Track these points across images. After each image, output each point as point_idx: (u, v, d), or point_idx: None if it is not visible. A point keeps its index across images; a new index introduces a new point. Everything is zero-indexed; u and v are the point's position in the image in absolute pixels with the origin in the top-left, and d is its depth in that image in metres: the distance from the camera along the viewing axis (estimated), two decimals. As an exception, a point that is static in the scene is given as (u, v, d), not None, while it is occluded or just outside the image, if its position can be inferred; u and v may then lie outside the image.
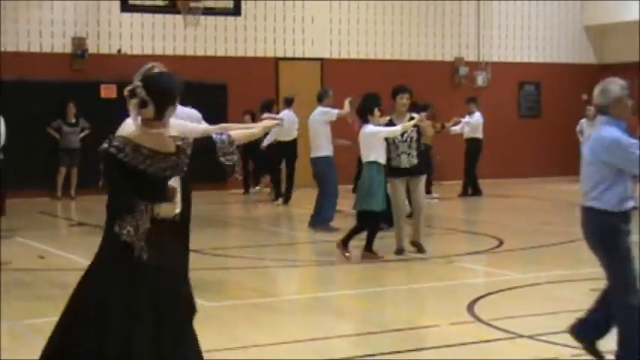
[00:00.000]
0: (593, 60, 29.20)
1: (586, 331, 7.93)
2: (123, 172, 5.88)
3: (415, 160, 13.65)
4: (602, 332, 7.93)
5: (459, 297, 10.72)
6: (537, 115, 28.46)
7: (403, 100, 13.68)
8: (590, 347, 7.90)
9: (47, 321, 9.83)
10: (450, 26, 27.46)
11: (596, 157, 7.67)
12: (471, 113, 22.32)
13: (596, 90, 7.89)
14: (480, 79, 27.36)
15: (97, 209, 20.87)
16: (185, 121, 6.83)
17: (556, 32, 29.04)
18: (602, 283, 11.40)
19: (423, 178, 14.04)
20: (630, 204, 7.67)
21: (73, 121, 21.97)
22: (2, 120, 16.83)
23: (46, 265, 13.43)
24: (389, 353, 8.43)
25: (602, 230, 7.67)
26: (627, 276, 7.66)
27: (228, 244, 16.02)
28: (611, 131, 7.60)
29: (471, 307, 10.12)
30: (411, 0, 26.84)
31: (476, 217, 19.89)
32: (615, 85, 7.85)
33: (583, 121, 22.49)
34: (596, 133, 7.79)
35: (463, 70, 27.28)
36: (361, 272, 12.98)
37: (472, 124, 22.21)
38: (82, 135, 21.97)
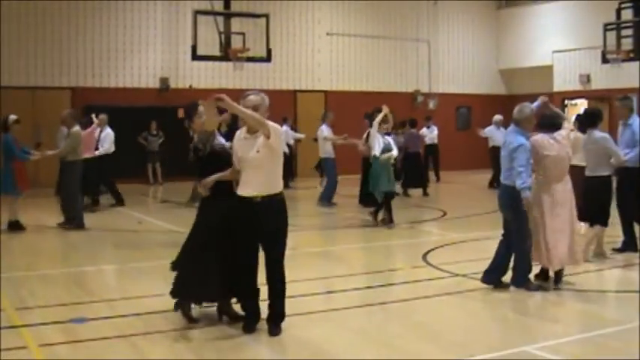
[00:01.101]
0: (504, 92, 29.11)
1: (492, 277, 8.10)
2: None
3: None
4: (503, 273, 8.06)
5: (417, 249, 10.71)
6: (468, 128, 28.29)
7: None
8: (498, 285, 8.01)
9: (144, 265, 9.94)
10: (410, 69, 27.39)
11: (508, 152, 7.85)
12: (429, 127, 22.12)
13: (516, 108, 8.09)
14: (431, 104, 27.25)
15: (176, 191, 20.93)
16: None
17: (481, 73, 28.96)
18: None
19: None
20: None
21: (154, 132, 22.02)
22: (112, 132, 16.72)
23: (143, 228, 13.48)
24: (373, 287, 8.47)
25: (512, 199, 7.82)
26: (525, 228, 7.85)
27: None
28: (520, 139, 7.80)
29: (425, 256, 10.13)
30: (384, 53, 26.81)
31: (428, 196, 19.84)
32: (528, 108, 8.09)
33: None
34: (512, 137, 7.90)
35: (420, 98, 27.17)
36: (355, 234, 12.98)
37: (433, 135, 22.01)
38: (159, 142, 22.03)
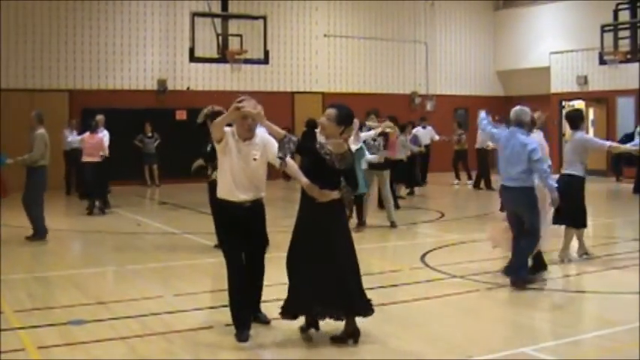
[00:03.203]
0: (501, 93, 29.15)
1: (520, 276, 8.24)
2: None
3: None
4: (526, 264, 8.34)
5: (415, 251, 10.71)
6: (466, 130, 28.30)
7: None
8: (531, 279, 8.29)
9: (142, 267, 9.93)
10: (408, 71, 27.42)
11: (526, 152, 7.92)
12: (424, 127, 21.99)
13: (519, 109, 8.26)
14: (429, 106, 27.27)
15: (174, 193, 20.85)
16: None
17: (478, 75, 28.99)
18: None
19: None
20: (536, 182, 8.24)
21: (150, 135, 22.02)
22: (107, 134, 16.60)
23: (142, 230, 13.47)
24: (371, 289, 8.46)
25: (532, 198, 7.90)
26: (539, 227, 8.10)
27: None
28: (531, 140, 7.95)
29: (423, 258, 10.13)
30: (382, 54, 26.83)
31: (426, 198, 19.83)
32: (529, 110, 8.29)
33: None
34: (524, 137, 7.98)
35: (417, 100, 27.20)
36: (354, 235, 12.87)
37: (433, 136, 21.97)
38: (155, 144, 22.03)
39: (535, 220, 8.15)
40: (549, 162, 8.51)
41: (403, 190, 18.25)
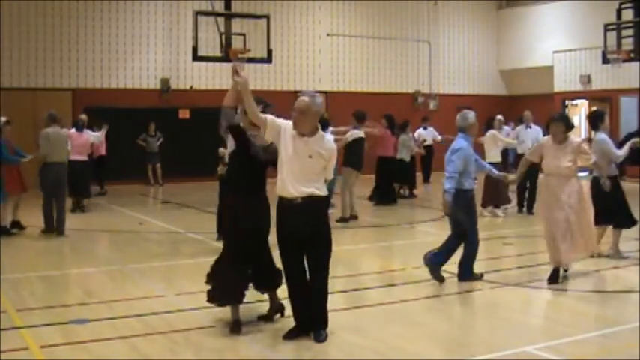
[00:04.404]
0: (504, 92, 29.11)
1: (434, 260, 8.63)
2: None
3: None
4: (445, 260, 8.60)
5: (418, 250, 10.66)
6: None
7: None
8: (437, 272, 8.52)
9: (145, 266, 9.94)
10: (411, 70, 27.39)
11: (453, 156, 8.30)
12: (426, 128, 21.94)
13: (459, 116, 8.37)
14: (432, 105, 27.22)
15: (177, 192, 20.87)
16: None
17: (481, 74, 28.94)
18: (510, 240, 11.50)
19: None
20: (473, 185, 8.53)
21: (153, 134, 21.99)
22: (92, 136, 16.54)
23: (144, 229, 13.47)
24: (372, 288, 8.46)
25: (460, 201, 8.10)
26: (476, 227, 8.56)
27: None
28: (462, 143, 8.00)
29: (425, 257, 10.10)
30: (385, 53, 26.81)
31: (429, 196, 19.80)
32: (471, 114, 8.38)
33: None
34: (458, 141, 8.42)
35: (420, 99, 27.15)
36: (354, 234, 12.94)
37: (434, 136, 21.86)
38: (159, 143, 22.00)
39: (466, 220, 8.35)
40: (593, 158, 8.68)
41: (402, 189, 18.19)
